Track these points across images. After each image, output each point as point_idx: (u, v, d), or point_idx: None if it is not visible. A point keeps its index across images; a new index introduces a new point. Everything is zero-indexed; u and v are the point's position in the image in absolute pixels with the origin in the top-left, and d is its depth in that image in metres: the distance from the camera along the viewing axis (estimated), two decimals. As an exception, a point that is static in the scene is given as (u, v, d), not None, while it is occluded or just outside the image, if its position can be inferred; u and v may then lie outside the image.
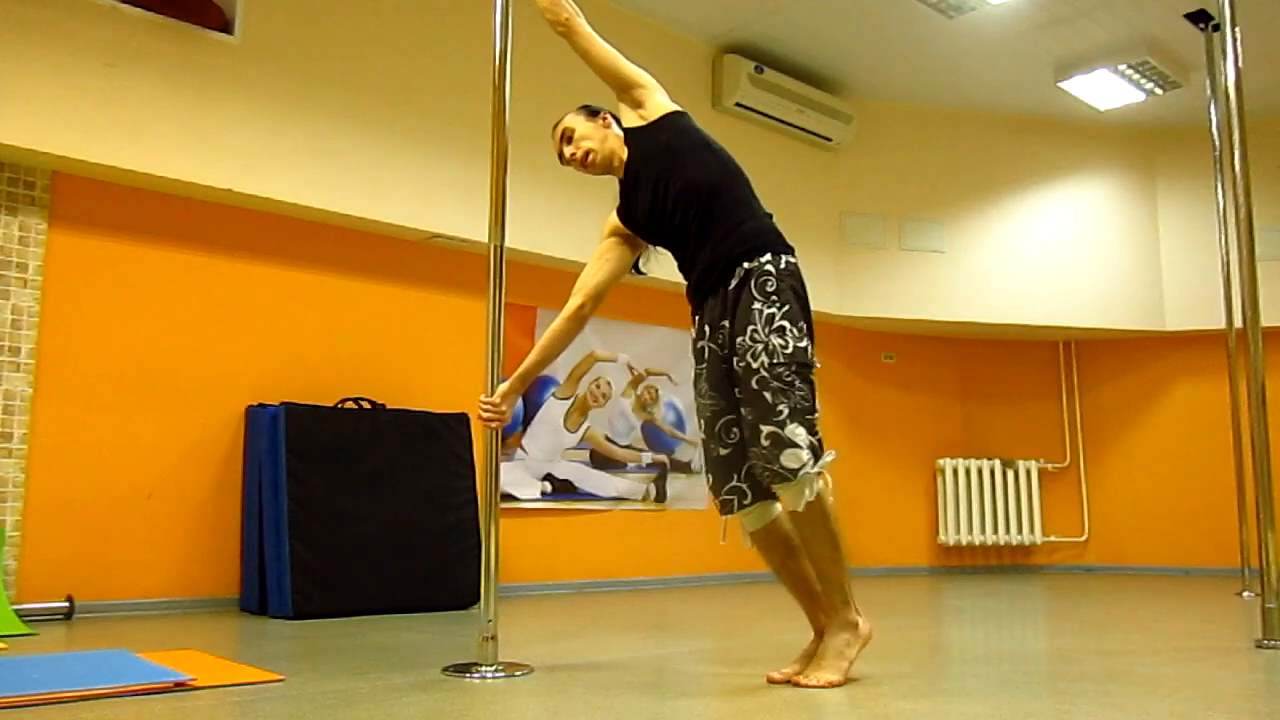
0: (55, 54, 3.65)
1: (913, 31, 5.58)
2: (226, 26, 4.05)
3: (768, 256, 2.33)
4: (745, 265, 2.33)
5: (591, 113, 2.60)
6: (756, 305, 2.29)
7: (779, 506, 2.38)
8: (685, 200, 2.40)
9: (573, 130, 2.57)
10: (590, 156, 2.54)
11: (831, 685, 2.22)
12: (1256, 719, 1.96)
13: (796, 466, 2.22)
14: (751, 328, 2.28)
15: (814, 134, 6.16)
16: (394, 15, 4.55)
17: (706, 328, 2.40)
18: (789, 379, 2.25)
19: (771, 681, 2.30)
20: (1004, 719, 1.91)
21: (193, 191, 4.02)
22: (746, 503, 2.37)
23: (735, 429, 2.37)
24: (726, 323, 2.34)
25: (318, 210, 4.26)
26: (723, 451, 2.39)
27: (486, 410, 2.52)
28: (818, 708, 2.03)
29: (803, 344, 2.29)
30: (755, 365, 2.26)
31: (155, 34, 3.88)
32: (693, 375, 2.47)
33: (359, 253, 4.52)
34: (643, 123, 2.50)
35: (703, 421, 2.43)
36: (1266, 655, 2.80)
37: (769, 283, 2.30)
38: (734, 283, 2.34)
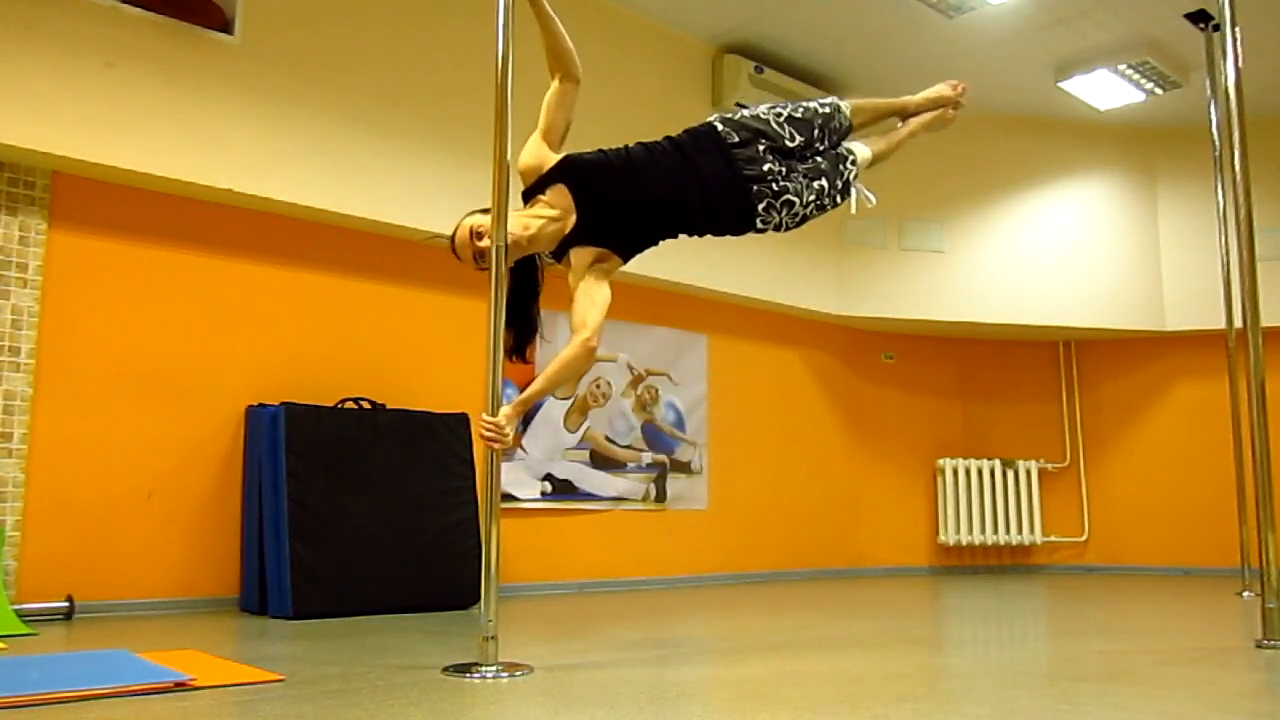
0: (55, 54, 3.65)
1: (912, 31, 5.58)
2: (226, 26, 4.06)
3: None
4: None
5: (486, 211, 2.69)
6: None
7: None
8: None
9: (483, 226, 2.65)
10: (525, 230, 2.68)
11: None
12: (1257, 719, 1.96)
13: None
14: None
15: (814, 134, 6.15)
16: (395, 15, 4.55)
17: None
18: None
19: None
20: (1004, 719, 1.91)
21: (193, 191, 4.02)
22: None
23: None
24: None
25: (318, 210, 4.26)
26: None
27: (489, 430, 2.50)
28: (817, 708, 2.03)
29: None
30: None
31: (155, 34, 3.88)
32: None
33: (359, 253, 4.52)
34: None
35: None
36: (1266, 655, 2.79)
37: None
38: None
